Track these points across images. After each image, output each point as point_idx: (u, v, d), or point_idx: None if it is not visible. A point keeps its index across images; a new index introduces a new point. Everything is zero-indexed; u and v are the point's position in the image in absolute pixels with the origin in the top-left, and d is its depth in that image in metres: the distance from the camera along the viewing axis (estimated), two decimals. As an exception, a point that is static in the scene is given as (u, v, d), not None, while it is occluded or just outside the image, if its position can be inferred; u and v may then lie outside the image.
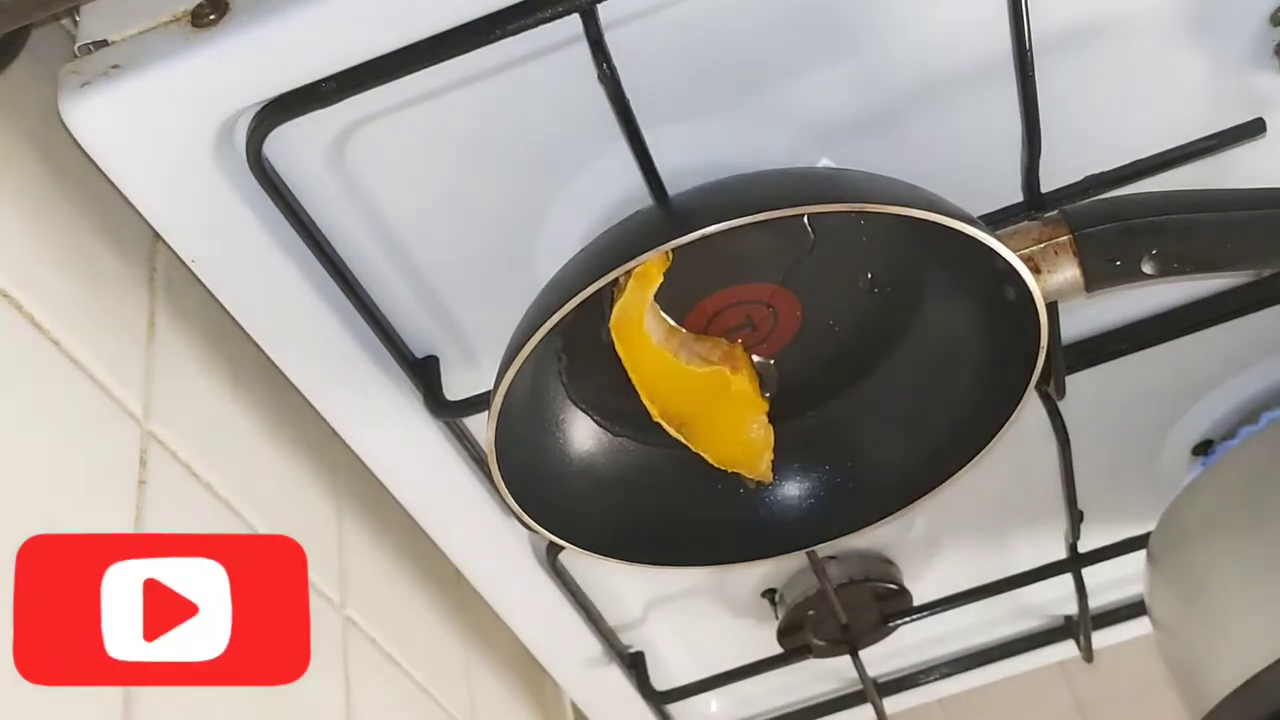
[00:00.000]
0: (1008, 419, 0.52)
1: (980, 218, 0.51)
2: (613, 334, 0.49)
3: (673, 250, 0.44)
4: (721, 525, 0.57)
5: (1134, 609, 0.80)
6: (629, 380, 0.51)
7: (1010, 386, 0.51)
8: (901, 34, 0.49)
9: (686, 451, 0.54)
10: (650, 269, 0.46)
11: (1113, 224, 0.49)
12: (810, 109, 0.50)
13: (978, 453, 0.53)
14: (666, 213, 0.46)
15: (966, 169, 0.52)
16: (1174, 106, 0.53)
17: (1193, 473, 0.68)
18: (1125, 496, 0.72)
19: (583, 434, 0.55)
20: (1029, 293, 0.47)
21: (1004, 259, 0.46)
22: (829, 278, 0.52)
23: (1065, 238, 0.49)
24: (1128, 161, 0.50)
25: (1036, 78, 0.46)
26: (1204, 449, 0.69)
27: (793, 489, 0.57)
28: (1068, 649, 0.84)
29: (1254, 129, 0.50)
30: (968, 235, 0.45)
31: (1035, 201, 0.50)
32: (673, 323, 0.52)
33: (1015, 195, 0.50)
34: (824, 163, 0.52)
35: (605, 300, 0.49)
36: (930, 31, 0.49)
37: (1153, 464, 0.71)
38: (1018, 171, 0.49)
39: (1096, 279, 0.50)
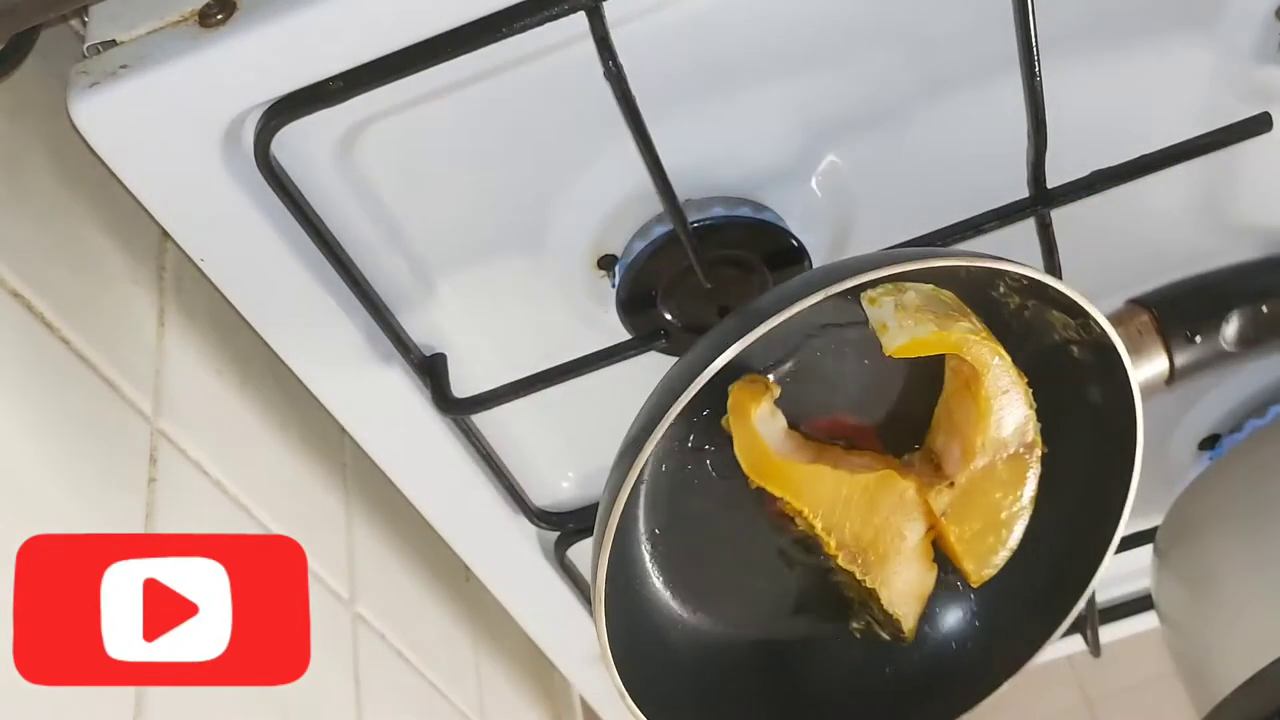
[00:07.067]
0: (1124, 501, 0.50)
1: (987, 212, 0.51)
2: (753, 479, 0.46)
3: (772, 378, 0.42)
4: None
5: (1141, 603, 0.80)
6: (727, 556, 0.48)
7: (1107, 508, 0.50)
8: (907, 30, 0.49)
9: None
10: (741, 399, 0.45)
11: (1190, 293, 0.48)
12: (816, 105, 0.50)
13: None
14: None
15: (973, 163, 0.52)
16: (1179, 101, 0.53)
17: (1199, 467, 0.68)
18: (1132, 491, 0.72)
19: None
20: (1125, 385, 0.45)
21: (1108, 338, 0.44)
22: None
23: (1144, 317, 0.48)
24: (1134, 156, 0.50)
25: (1042, 73, 0.46)
26: (1211, 443, 0.69)
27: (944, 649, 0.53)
28: (1075, 643, 0.84)
29: (1260, 124, 0.50)
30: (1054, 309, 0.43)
31: (1041, 196, 0.50)
32: (820, 442, 0.48)
33: (1021, 190, 0.50)
34: (830, 159, 0.52)
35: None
36: (936, 27, 0.49)
37: (1159, 458, 0.71)
38: (1023, 166, 0.49)
39: (1180, 361, 0.48)
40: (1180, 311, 0.48)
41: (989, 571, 0.50)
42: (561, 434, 0.63)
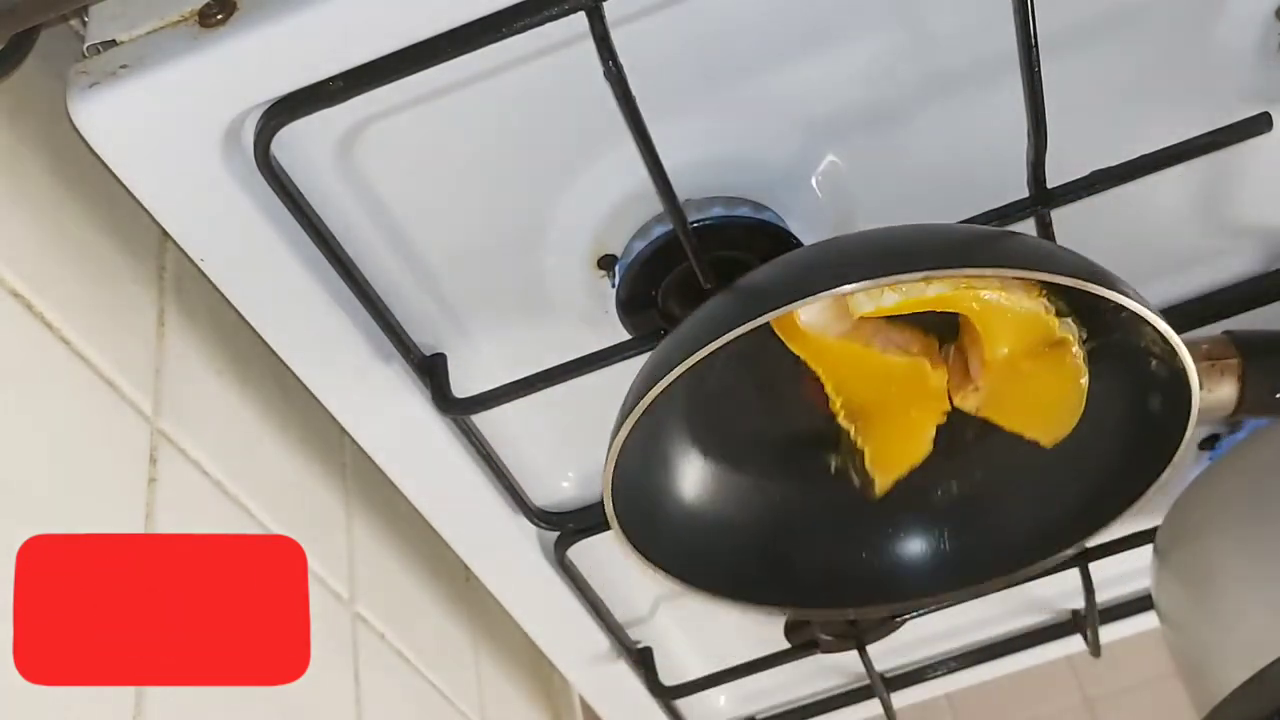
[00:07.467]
0: (1136, 499, 0.51)
1: (988, 212, 0.51)
2: (782, 338, 0.47)
3: None
4: (831, 569, 0.55)
5: (1141, 603, 0.80)
6: (754, 404, 0.48)
7: (1142, 468, 0.50)
8: (908, 28, 0.49)
9: (794, 487, 0.52)
10: None
11: None
12: (816, 104, 0.50)
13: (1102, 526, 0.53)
14: (819, 259, 0.44)
15: (972, 163, 0.52)
16: (1179, 101, 0.53)
17: (1199, 467, 0.68)
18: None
19: (693, 469, 0.53)
20: (1185, 405, 0.46)
21: (1182, 366, 0.44)
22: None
23: (1234, 360, 0.49)
24: (1134, 157, 0.50)
25: (1042, 72, 0.46)
26: (1210, 443, 0.69)
27: (913, 544, 0.55)
28: (1075, 643, 0.84)
29: (1260, 124, 0.50)
30: (1147, 324, 0.43)
31: (1041, 196, 0.50)
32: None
33: (1021, 190, 0.50)
34: (830, 159, 0.52)
35: None
36: (936, 25, 0.49)
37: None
38: (1024, 166, 0.49)
39: (1249, 407, 0.49)
40: (1270, 365, 0.49)
41: (1059, 434, 0.50)
42: (561, 434, 0.63)
